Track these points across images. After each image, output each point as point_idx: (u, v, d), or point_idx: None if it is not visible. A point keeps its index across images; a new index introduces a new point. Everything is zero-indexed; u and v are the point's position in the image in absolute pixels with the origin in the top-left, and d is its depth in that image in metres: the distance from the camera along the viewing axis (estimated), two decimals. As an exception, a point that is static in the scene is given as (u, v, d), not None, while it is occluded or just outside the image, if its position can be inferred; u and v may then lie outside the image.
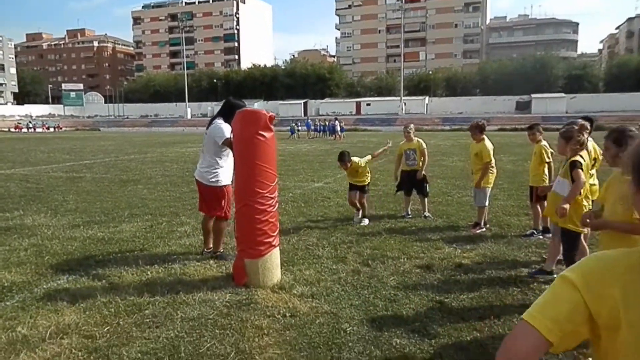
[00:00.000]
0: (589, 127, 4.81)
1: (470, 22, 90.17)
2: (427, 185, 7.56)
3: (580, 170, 4.04)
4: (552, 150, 5.84)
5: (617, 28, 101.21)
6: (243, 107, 4.77)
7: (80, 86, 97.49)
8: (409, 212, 7.46)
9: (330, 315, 3.74)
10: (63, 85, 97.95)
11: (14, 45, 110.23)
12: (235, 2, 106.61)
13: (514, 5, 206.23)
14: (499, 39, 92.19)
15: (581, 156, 4.17)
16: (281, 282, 4.44)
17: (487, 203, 6.58)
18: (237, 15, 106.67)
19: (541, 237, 6.00)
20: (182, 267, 4.94)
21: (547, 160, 6.01)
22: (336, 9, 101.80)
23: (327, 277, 4.63)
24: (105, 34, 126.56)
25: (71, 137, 46.06)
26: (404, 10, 73.33)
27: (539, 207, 6.06)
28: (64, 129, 74.64)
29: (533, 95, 65.34)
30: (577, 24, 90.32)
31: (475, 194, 6.68)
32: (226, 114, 5.02)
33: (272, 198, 4.40)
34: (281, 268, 4.88)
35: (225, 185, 5.13)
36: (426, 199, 7.53)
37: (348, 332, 3.47)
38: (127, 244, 5.84)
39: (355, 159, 6.92)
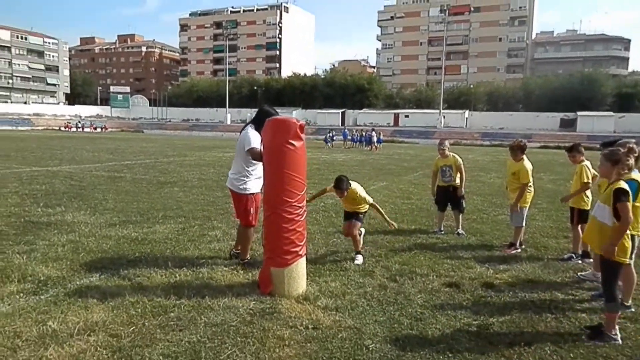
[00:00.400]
0: (637, 151, 4.47)
1: (516, 36, 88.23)
2: (464, 201, 7.39)
3: (627, 204, 3.60)
4: (594, 172, 5.58)
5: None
6: (275, 116, 4.76)
7: (127, 89, 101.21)
8: (442, 229, 7.31)
9: (353, 330, 3.67)
10: (111, 87, 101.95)
11: (69, 48, 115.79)
12: (278, 12, 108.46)
13: (562, 20, 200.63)
14: (544, 54, 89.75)
15: (630, 181, 3.91)
16: (306, 293, 4.41)
17: (523, 223, 6.35)
18: (280, 24, 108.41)
19: (580, 261, 5.73)
20: (209, 272, 4.99)
21: (586, 181, 5.76)
22: (378, 20, 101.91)
23: (353, 290, 4.57)
24: (154, 40, 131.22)
25: (116, 137, 47.78)
26: (447, 22, 72.51)
27: (580, 229, 5.77)
28: (109, 129, 77.52)
29: (579, 113, 63.10)
30: (629, 40, 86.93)
31: (511, 213, 6.47)
32: (259, 121, 4.94)
33: (300, 207, 4.39)
34: (307, 278, 4.86)
35: (252, 194, 5.13)
36: (461, 216, 7.34)
37: (370, 349, 3.40)
38: (158, 245, 5.96)
39: (354, 185, 5.80)
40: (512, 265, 5.57)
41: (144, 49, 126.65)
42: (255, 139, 4.90)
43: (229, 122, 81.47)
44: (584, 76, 67.11)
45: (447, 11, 70.99)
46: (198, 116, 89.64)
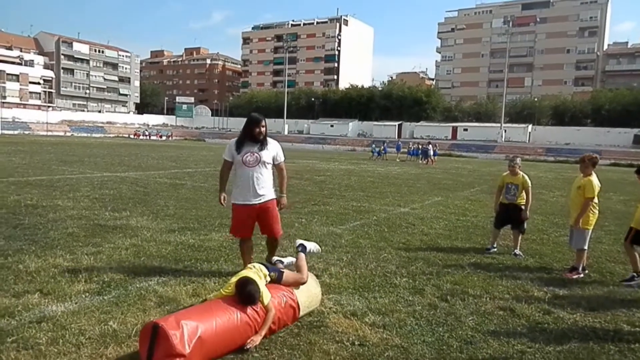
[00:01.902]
0: None
1: (585, 47, 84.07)
2: (526, 221, 7.10)
3: None
4: None
5: None
6: (255, 121, 4.81)
7: (192, 99, 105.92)
8: (495, 246, 7.07)
9: (400, 350, 3.62)
10: (177, 98, 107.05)
11: (140, 60, 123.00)
12: (338, 25, 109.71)
13: (638, 30, 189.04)
14: (617, 66, 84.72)
15: None
16: (354, 308, 4.40)
17: (586, 246, 6.02)
18: (339, 37, 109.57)
19: None
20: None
21: None
22: (438, 32, 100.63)
23: (402, 308, 4.51)
24: (217, 52, 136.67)
25: (179, 145, 49.99)
26: (510, 34, 70.34)
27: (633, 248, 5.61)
28: (174, 137, 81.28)
29: (655, 129, 58.96)
30: None
31: (571, 234, 6.17)
32: (243, 129, 4.92)
33: None
34: (355, 293, 4.86)
35: (233, 203, 5.03)
36: (520, 236, 7.06)
37: (417, 370, 3.34)
38: (213, 253, 6.17)
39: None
40: (573, 290, 5.28)
41: (208, 61, 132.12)
42: (227, 149, 5.04)
43: (286, 132, 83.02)
44: (661, 90, 62.70)
45: (510, 22, 68.86)
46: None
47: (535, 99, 73.97)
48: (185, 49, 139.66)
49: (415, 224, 9.00)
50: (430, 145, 35.07)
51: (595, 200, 6.01)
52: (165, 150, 36.51)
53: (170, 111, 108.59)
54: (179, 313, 3.36)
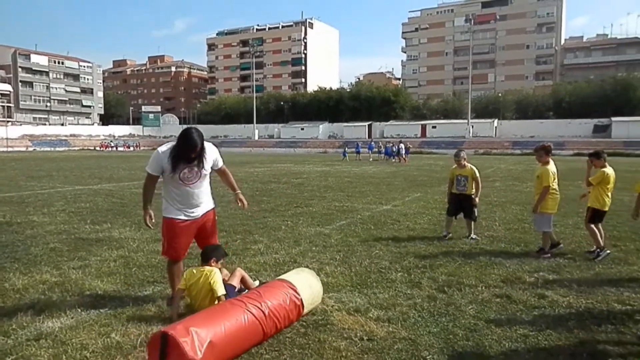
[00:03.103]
0: None
1: (544, 42, 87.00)
2: (477, 209, 7.57)
3: None
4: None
5: None
6: (192, 146, 4.06)
7: (158, 108, 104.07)
8: (450, 233, 7.46)
9: (408, 342, 3.67)
10: (143, 107, 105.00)
11: (102, 71, 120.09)
12: (303, 28, 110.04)
13: (592, 24, 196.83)
14: (574, 59, 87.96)
15: None
16: (356, 305, 4.42)
17: (549, 229, 6.44)
18: (305, 40, 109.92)
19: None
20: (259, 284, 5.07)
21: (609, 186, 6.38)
22: (402, 32, 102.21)
23: (402, 301, 4.56)
24: (182, 60, 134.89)
25: (148, 155, 48.75)
26: (472, 32, 72.06)
27: (593, 227, 6.30)
28: (142, 148, 79.65)
29: (613, 119, 61.46)
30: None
31: (536, 218, 6.59)
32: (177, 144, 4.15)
33: None
34: (354, 290, 4.89)
35: (170, 219, 4.39)
36: (473, 223, 7.51)
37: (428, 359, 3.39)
38: (205, 260, 6.08)
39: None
40: (562, 275, 5.45)
41: (173, 69, 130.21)
42: (154, 162, 4.24)
43: (256, 137, 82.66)
44: (617, 81, 65.53)
45: (472, 20, 70.56)
46: (226, 133, 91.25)
47: (500, 94, 76.05)
48: (149, 57, 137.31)
49: (400, 220, 9.10)
50: (402, 144, 35.52)
51: (555, 186, 6.41)
52: (135, 160, 35.75)
53: (137, 121, 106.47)
54: (186, 320, 3.30)
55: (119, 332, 3.80)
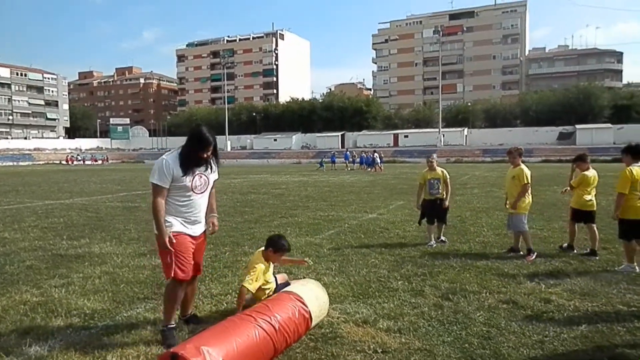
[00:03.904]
0: None
1: (509, 53, 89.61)
2: (448, 213, 7.79)
3: None
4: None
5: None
6: (205, 143, 3.72)
7: (127, 121, 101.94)
8: (433, 241, 7.41)
9: (425, 352, 3.53)
10: (111, 119, 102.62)
11: (68, 82, 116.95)
12: (274, 39, 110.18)
13: (553, 36, 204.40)
14: (539, 69, 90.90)
15: None
16: (363, 316, 4.26)
17: (526, 228, 6.64)
18: (276, 51, 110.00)
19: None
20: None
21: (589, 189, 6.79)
22: (373, 43, 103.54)
23: (409, 311, 4.42)
24: (151, 71, 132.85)
25: (118, 169, 47.80)
26: (441, 43, 73.64)
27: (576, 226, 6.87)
28: (110, 161, 77.67)
29: (577, 126, 63.66)
30: (622, 53, 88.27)
31: (512, 219, 6.70)
32: (187, 146, 3.76)
33: None
34: (358, 301, 4.74)
35: (180, 234, 3.78)
36: (444, 226, 7.70)
37: (448, 371, 3.25)
38: (196, 273, 5.81)
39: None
40: (562, 279, 5.44)
41: (142, 80, 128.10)
42: (155, 168, 3.70)
43: (229, 149, 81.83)
44: (580, 90, 67.94)
45: (440, 32, 72.13)
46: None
47: (469, 104, 77.66)
48: (117, 68, 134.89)
49: (389, 228, 9.02)
50: (377, 154, 35.74)
51: (529, 182, 6.71)
52: (105, 174, 34.75)
53: (104, 134, 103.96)
54: (195, 339, 3.07)
55: (116, 354, 3.53)
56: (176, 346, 2.97)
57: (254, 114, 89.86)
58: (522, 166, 6.79)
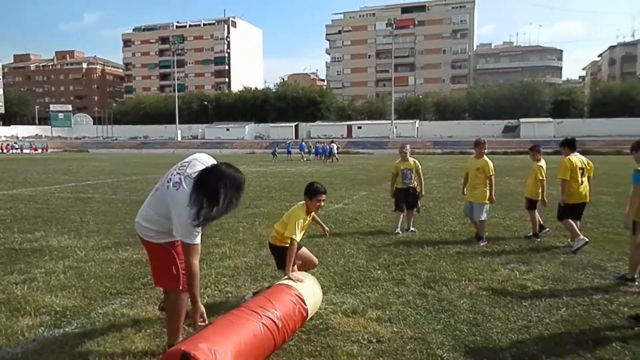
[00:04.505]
0: None
1: (458, 48, 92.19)
2: (420, 202, 7.99)
3: None
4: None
5: (599, 56, 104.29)
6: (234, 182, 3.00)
7: (69, 107, 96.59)
8: (399, 230, 7.58)
9: (419, 341, 3.55)
10: (51, 106, 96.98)
11: (1, 66, 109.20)
12: (226, 26, 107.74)
13: (498, 33, 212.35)
14: (485, 65, 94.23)
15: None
16: (351, 306, 4.24)
17: (485, 217, 6.97)
18: (228, 39, 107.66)
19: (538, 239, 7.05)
20: (236, 290, 4.73)
21: (541, 178, 7.12)
22: (326, 34, 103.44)
23: (394, 300, 4.45)
24: (95, 56, 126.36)
25: (62, 158, 45.38)
26: (394, 36, 74.66)
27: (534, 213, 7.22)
28: (50, 150, 73.60)
29: (521, 120, 66.55)
30: (561, 51, 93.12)
31: (471, 208, 7.01)
32: (208, 188, 2.95)
33: None
34: (341, 291, 4.72)
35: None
36: (413, 216, 7.89)
37: (446, 358, 3.29)
38: (169, 266, 5.58)
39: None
40: (532, 266, 5.64)
41: (84, 65, 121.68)
42: (190, 229, 2.96)
43: (179, 138, 79.64)
44: (524, 85, 70.99)
45: (393, 25, 73.08)
46: (146, 133, 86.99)
47: (420, 97, 79.37)
48: (57, 52, 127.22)
49: (358, 218, 9.06)
50: (334, 144, 35.87)
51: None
52: (48, 163, 32.85)
53: (44, 121, 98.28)
54: (201, 336, 2.86)
55: (99, 354, 3.32)
56: (185, 342, 2.79)
57: (206, 102, 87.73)
58: (486, 158, 7.09)
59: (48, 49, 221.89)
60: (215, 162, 3.20)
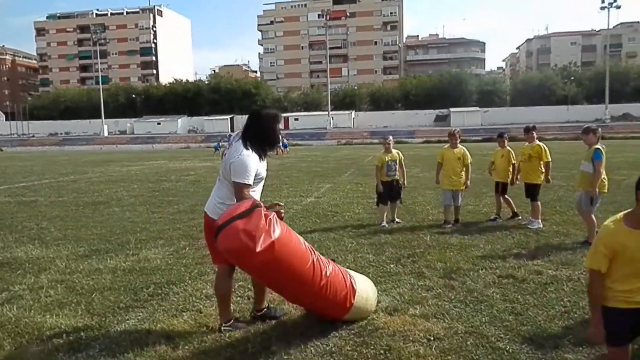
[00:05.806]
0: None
1: (389, 40, 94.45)
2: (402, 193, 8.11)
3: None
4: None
5: (517, 48, 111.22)
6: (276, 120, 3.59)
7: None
8: (384, 222, 7.57)
9: (475, 335, 3.49)
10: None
11: None
12: (151, 15, 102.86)
13: (424, 25, 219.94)
14: (415, 56, 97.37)
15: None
16: (388, 304, 4.11)
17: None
18: (154, 29, 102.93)
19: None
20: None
21: (514, 162, 7.72)
22: (258, 25, 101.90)
23: (425, 294, 4.38)
24: (3, 46, 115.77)
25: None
26: (327, 27, 74.97)
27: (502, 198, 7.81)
28: (-42, 149, 66.67)
29: (451, 109, 69.56)
30: (484, 43, 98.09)
31: (455, 195, 7.45)
32: (254, 132, 3.45)
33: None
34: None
35: None
36: (397, 207, 7.96)
37: (511, 351, 3.25)
38: (170, 273, 5.15)
39: None
40: (531, 250, 5.83)
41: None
42: (244, 168, 3.30)
43: (106, 134, 75.37)
44: (452, 76, 74.23)
45: (326, 16, 73.36)
46: (68, 129, 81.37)
47: (355, 88, 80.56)
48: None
49: (338, 212, 8.94)
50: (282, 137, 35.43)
51: None
52: (-39, 164, 29.69)
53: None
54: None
55: (144, 378, 2.95)
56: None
57: (133, 95, 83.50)
58: (462, 147, 7.50)
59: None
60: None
